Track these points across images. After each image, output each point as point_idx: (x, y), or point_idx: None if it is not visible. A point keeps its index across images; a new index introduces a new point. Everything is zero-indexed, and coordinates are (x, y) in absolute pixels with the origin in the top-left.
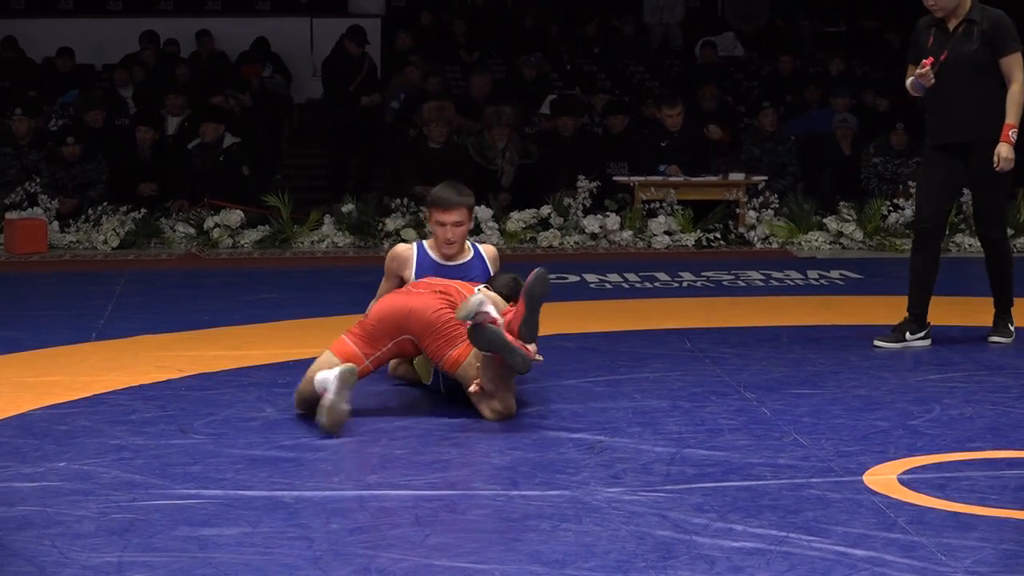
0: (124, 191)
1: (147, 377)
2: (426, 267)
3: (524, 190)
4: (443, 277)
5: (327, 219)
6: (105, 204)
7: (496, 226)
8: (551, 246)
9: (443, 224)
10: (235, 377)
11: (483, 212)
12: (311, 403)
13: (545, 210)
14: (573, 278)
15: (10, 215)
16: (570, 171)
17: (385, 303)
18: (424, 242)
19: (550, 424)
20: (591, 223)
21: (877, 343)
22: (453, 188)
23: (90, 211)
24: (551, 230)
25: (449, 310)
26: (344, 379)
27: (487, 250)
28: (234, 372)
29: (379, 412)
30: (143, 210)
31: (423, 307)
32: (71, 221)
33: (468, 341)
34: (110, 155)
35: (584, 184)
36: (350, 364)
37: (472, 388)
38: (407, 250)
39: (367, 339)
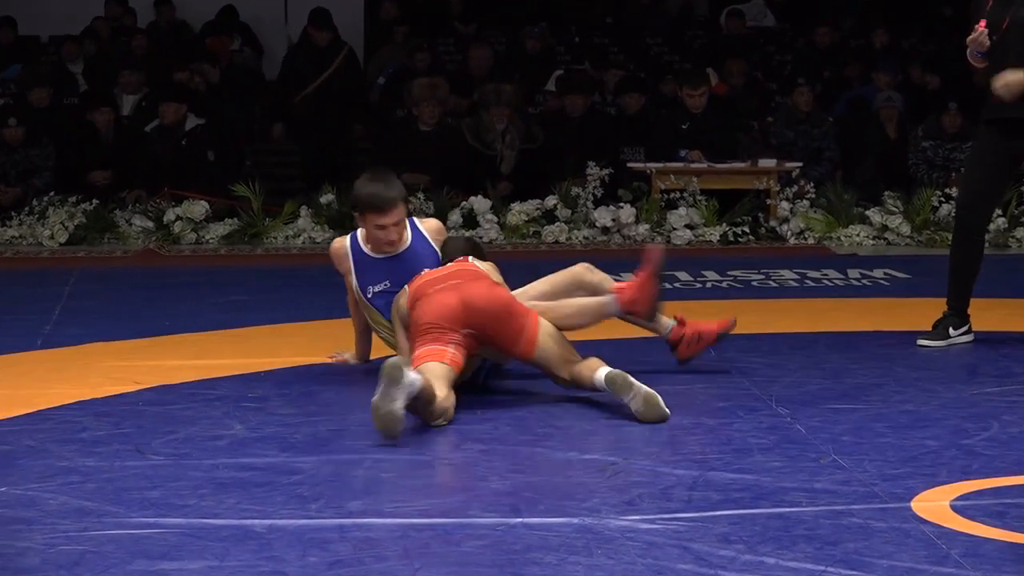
0: (73, 179)
1: (99, 390)
2: (363, 264)
3: (526, 178)
4: (381, 271)
5: (304, 211)
6: (52, 194)
7: (495, 219)
8: (557, 241)
9: (383, 227)
10: (199, 390)
11: (480, 203)
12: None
13: (550, 201)
14: None
15: None
16: (579, 157)
17: (435, 305)
18: (358, 234)
19: (556, 444)
20: (602, 216)
21: (920, 342)
22: (381, 182)
23: (34, 202)
24: (557, 224)
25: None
26: (389, 374)
27: (427, 225)
28: (198, 384)
29: (363, 428)
30: (95, 201)
31: (477, 296)
32: (13, 213)
33: (533, 318)
34: (57, 139)
35: (595, 171)
36: (398, 357)
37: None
38: (341, 247)
39: (433, 337)
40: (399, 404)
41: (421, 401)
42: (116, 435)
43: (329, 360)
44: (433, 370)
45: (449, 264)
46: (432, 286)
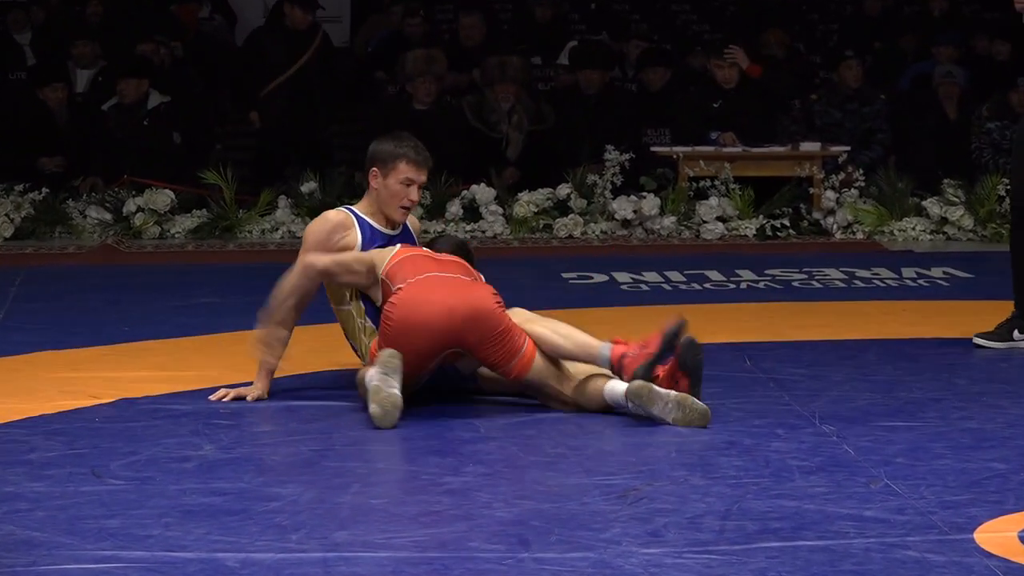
0: (20, 165)
1: (50, 405)
2: (369, 239)
3: (536, 164)
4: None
5: (282, 201)
6: None
7: (500, 210)
8: (571, 236)
9: (411, 184)
10: (164, 405)
11: (483, 193)
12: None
13: (563, 190)
14: (599, 277)
15: None
16: (595, 140)
17: (405, 308)
18: (354, 208)
19: (570, 466)
20: (622, 207)
21: (977, 340)
22: (414, 141)
23: None
24: (571, 216)
25: (499, 299)
26: (386, 363)
27: (411, 220)
28: (163, 398)
29: (350, 448)
30: (45, 190)
31: (473, 302)
32: None
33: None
34: (1, 118)
35: (614, 156)
36: (391, 350)
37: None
38: (345, 216)
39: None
40: (397, 390)
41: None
42: (69, 456)
43: (215, 399)
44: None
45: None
46: (422, 267)
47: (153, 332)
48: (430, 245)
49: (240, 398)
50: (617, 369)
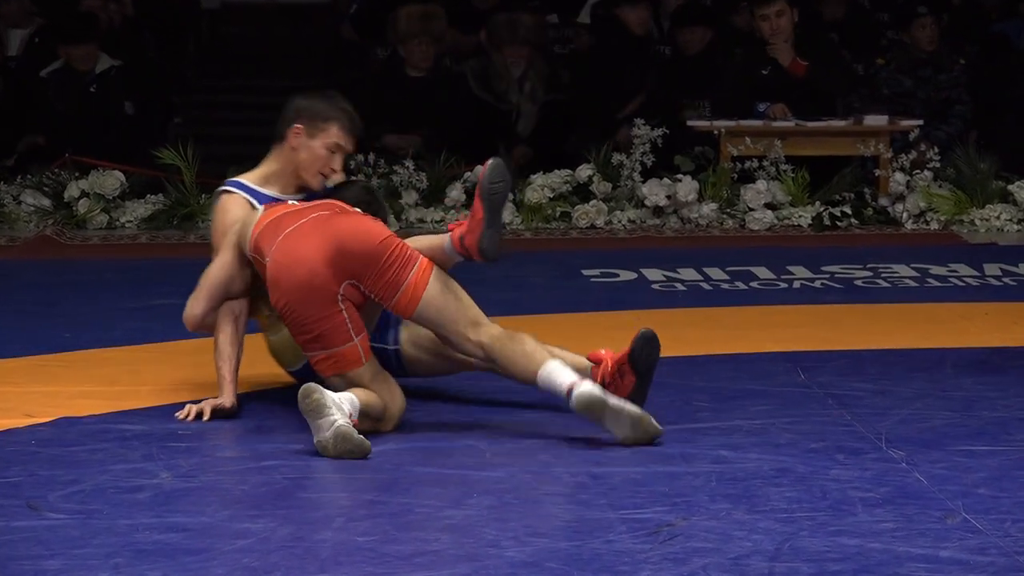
0: None
1: None
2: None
3: (551, 141)
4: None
5: None
6: None
7: (509, 196)
8: (593, 226)
9: (338, 151)
10: (112, 424)
11: None
12: None
13: (584, 171)
14: (627, 275)
15: None
16: (622, 112)
17: (280, 285)
18: (243, 180)
19: (592, 497)
20: (654, 191)
21: None
22: (349, 105)
23: None
24: (592, 202)
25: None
26: (309, 408)
27: None
28: (110, 417)
29: (333, 476)
30: None
31: (350, 229)
32: None
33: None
34: None
35: (643, 132)
36: (309, 385)
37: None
38: (240, 199)
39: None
40: (341, 422)
41: (371, 419)
42: (0, 485)
43: (181, 417)
44: (361, 376)
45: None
46: (282, 226)
47: (100, 339)
48: (332, 195)
49: (213, 411)
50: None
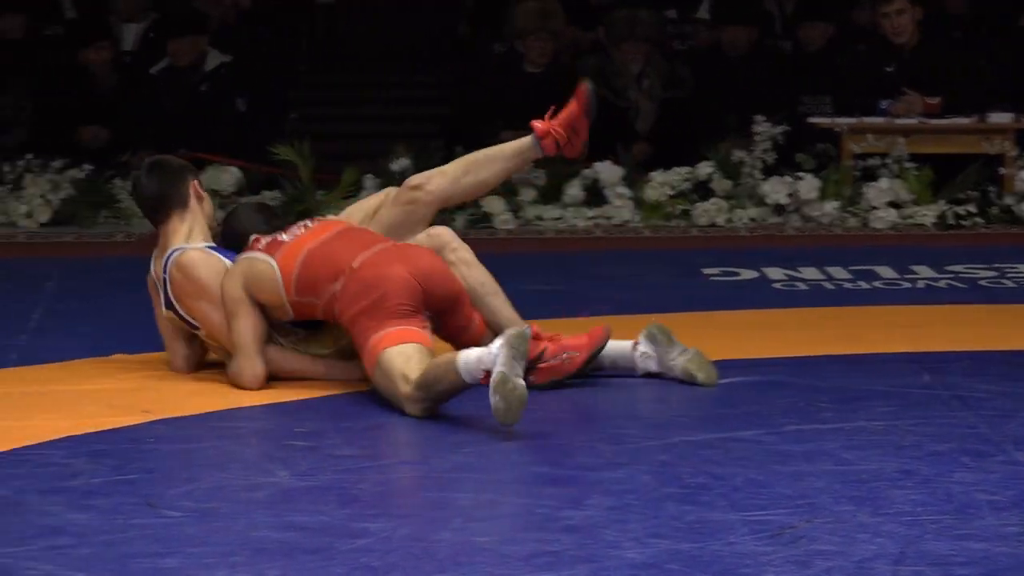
0: (58, 137)
1: (96, 421)
2: (230, 257)
3: (671, 138)
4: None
5: (368, 181)
6: (28, 157)
7: (628, 193)
8: (713, 224)
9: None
10: (230, 423)
11: (608, 172)
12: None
13: (703, 169)
14: (748, 274)
15: None
16: (742, 109)
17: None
18: (197, 244)
19: (713, 498)
20: (775, 189)
21: None
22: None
23: (5, 168)
24: (712, 200)
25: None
26: (514, 344)
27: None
28: (229, 415)
29: (451, 475)
30: (87, 167)
31: (434, 267)
32: None
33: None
34: (35, 83)
35: (764, 129)
36: (515, 329)
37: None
38: (201, 252)
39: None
40: (523, 381)
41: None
42: (118, 483)
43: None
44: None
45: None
46: (335, 252)
47: None
48: (226, 224)
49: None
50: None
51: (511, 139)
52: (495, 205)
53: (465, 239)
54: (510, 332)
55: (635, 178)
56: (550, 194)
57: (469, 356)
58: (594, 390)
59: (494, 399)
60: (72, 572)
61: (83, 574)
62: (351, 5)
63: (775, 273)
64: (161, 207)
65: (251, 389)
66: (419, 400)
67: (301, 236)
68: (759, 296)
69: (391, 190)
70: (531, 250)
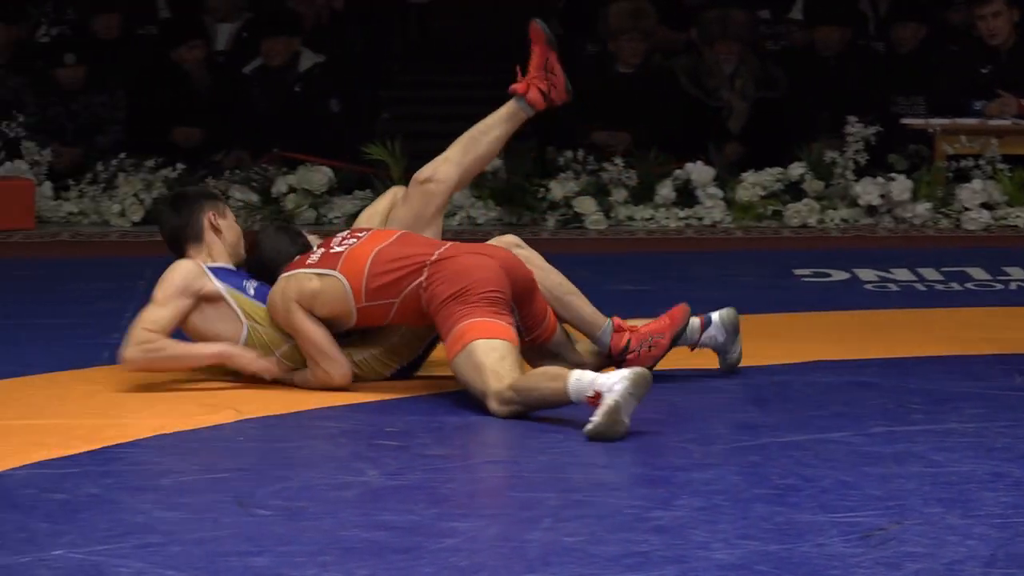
0: (151, 136)
1: (186, 419)
2: (231, 281)
3: (763, 138)
4: (241, 283)
5: None
6: (122, 156)
7: (719, 194)
8: (804, 225)
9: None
10: (320, 421)
11: (700, 172)
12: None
13: (796, 169)
14: (839, 275)
15: None
16: (835, 110)
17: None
18: (199, 261)
19: (802, 500)
20: (867, 190)
21: None
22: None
23: (99, 167)
24: (804, 201)
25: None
26: (638, 383)
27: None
28: (319, 414)
29: (540, 475)
30: (180, 166)
31: (508, 257)
32: (71, 182)
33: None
34: (130, 82)
35: (857, 130)
36: (642, 369)
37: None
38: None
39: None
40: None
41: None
42: (209, 481)
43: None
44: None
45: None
46: (410, 255)
47: None
48: (259, 251)
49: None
50: (616, 359)
51: (604, 140)
52: (586, 205)
53: (556, 240)
54: (637, 371)
55: (727, 178)
56: (641, 194)
57: (583, 376)
58: (685, 390)
59: (597, 419)
60: (162, 570)
61: (173, 572)
62: (444, 4)
63: (867, 274)
64: (175, 240)
65: (344, 386)
66: (511, 402)
67: (359, 245)
68: (850, 297)
69: (398, 189)
70: (622, 250)
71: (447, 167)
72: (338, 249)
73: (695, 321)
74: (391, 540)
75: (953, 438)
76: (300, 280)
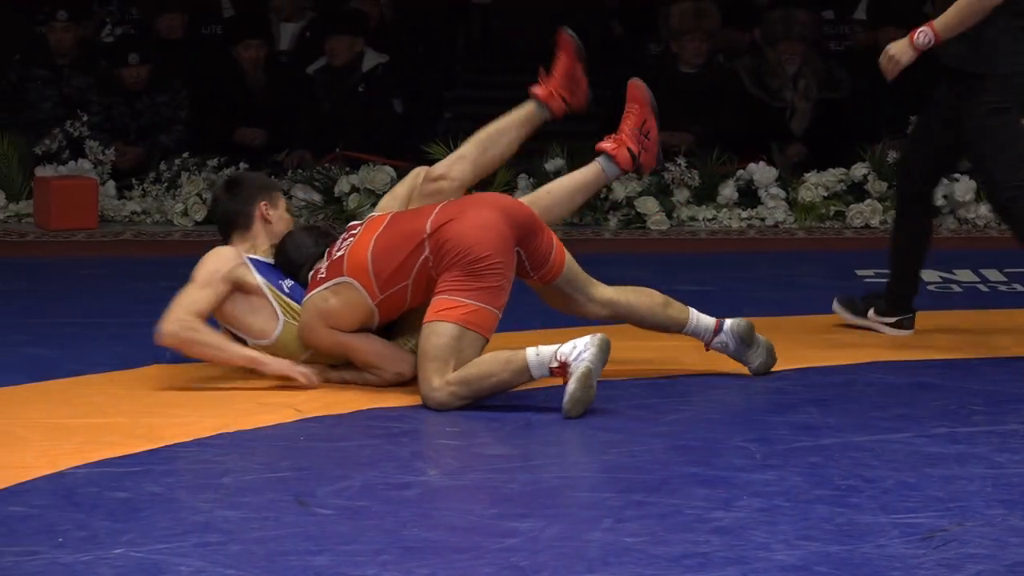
0: (214, 136)
1: (248, 419)
2: (269, 276)
3: (826, 139)
4: (278, 280)
5: (522, 181)
6: (185, 156)
7: (782, 194)
8: (867, 226)
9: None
10: (380, 422)
11: (763, 173)
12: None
13: (859, 170)
14: None
15: (42, 171)
16: (897, 110)
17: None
18: (240, 251)
19: (864, 501)
20: None
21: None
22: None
23: (162, 166)
24: (867, 202)
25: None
26: (603, 348)
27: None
28: (379, 414)
29: (602, 476)
30: (243, 165)
31: (506, 199)
32: (134, 181)
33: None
34: (193, 81)
35: None
36: (602, 335)
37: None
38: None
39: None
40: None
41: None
42: (269, 480)
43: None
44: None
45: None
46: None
47: None
48: (287, 251)
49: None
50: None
51: (666, 141)
52: (648, 206)
53: (617, 240)
54: (600, 336)
55: (789, 179)
56: (704, 195)
57: (542, 349)
58: (746, 391)
59: (572, 388)
60: (222, 569)
61: (233, 571)
62: (506, 4)
63: (929, 275)
64: (225, 225)
65: (409, 378)
66: (462, 397)
67: (356, 241)
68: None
69: (420, 171)
70: (684, 251)
71: (461, 165)
72: (339, 253)
73: (710, 321)
74: (451, 540)
75: (1015, 439)
76: (317, 304)
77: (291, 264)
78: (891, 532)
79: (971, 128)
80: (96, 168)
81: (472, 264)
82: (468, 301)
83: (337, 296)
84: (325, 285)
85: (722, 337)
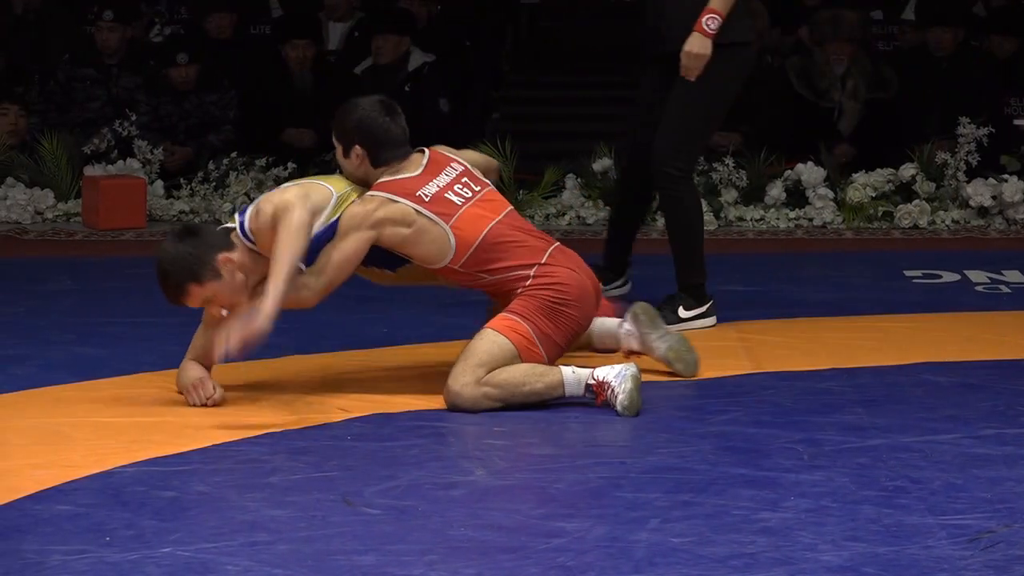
0: (263, 136)
1: (296, 419)
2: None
3: (874, 139)
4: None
5: (570, 181)
6: (234, 155)
7: (830, 194)
8: (915, 227)
9: None
10: (427, 422)
11: (811, 173)
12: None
13: (907, 170)
14: (950, 276)
15: (91, 171)
16: (947, 111)
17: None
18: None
19: (911, 502)
20: (979, 191)
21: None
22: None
23: (211, 165)
24: (916, 202)
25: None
26: (636, 379)
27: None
28: (426, 415)
29: (647, 476)
30: (291, 165)
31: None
32: (182, 180)
33: None
34: (242, 81)
35: (968, 131)
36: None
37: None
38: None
39: (558, 349)
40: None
41: None
42: (317, 480)
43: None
44: None
45: None
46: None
47: (417, 335)
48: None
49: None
50: None
51: (714, 141)
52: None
53: (665, 239)
54: (632, 367)
55: (837, 179)
56: (752, 195)
57: (578, 371)
58: (793, 390)
59: (629, 386)
60: (269, 568)
61: (280, 570)
62: (554, 4)
63: (978, 276)
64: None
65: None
66: (493, 399)
67: (476, 207)
68: (961, 299)
69: (493, 161)
70: (732, 251)
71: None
72: (454, 199)
73: (612, 322)
74: (498, 539)
75: None
76: (406, 213)
77: (359, 128)
78: (938, 533)
79: None
80: (144, 167)
81: (561, 312)
82: (535, 337)
83: (427, 232)
84: (428, 211)
85: (626, 326)
